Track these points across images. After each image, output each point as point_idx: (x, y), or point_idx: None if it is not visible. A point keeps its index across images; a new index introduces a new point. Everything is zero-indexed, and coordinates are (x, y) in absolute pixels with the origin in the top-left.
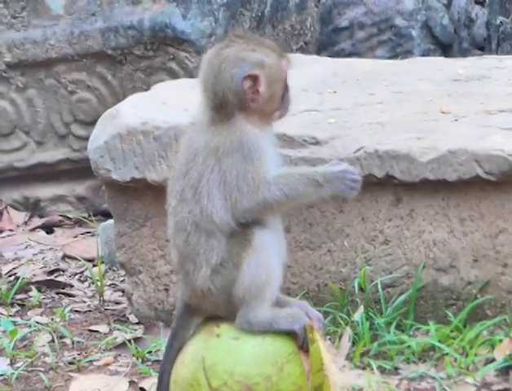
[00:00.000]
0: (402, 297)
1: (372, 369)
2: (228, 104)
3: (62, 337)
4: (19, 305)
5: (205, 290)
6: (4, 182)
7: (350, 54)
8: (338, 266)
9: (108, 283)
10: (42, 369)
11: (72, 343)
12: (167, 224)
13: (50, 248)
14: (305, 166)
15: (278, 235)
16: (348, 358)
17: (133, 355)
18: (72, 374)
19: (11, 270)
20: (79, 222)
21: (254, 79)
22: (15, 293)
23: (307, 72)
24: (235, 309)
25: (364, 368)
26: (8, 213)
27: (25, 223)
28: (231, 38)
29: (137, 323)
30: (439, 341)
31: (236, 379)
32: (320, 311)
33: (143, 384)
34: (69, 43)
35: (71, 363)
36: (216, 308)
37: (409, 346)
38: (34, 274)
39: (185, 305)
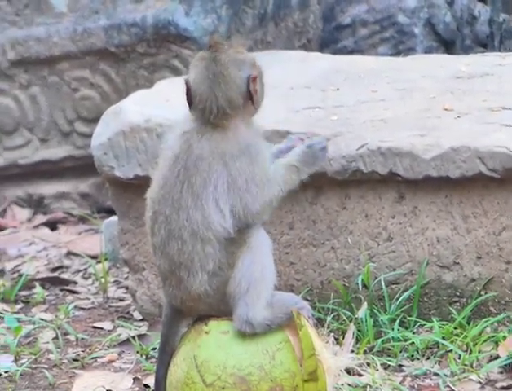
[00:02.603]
0: (405, 294)
1: (376, 366)
2: (233, 109)
3: (66, 334)
4: (23, 301)
5: (201, 293)
6: (8, 179)
7: (352, 52)
8: (342, 263)
9: (111, 280)
10: (46, 366)
11: (76, 340)
12: (152, 231)
13: (54, 245)
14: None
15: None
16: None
17: (137, 352)
18: (76, 371)
19: (14, 267)
20: (83, 219)
21: (254, 79)
22: (19, 290)
23: (310, 70)
24: (230, 308)
25: (367, 365)
26: (12, 210)
27: (29, 220)
28: (215, 45)
29: (141, 320)
30: (443, 338)
31: (229, 372)
32: (323, 308)
33: (147, 381)
34: (72, 41)
35: (75, 360)
36: (211, 308)
37: (413, 343)
38: (38, 271)
39: (173, 309)
